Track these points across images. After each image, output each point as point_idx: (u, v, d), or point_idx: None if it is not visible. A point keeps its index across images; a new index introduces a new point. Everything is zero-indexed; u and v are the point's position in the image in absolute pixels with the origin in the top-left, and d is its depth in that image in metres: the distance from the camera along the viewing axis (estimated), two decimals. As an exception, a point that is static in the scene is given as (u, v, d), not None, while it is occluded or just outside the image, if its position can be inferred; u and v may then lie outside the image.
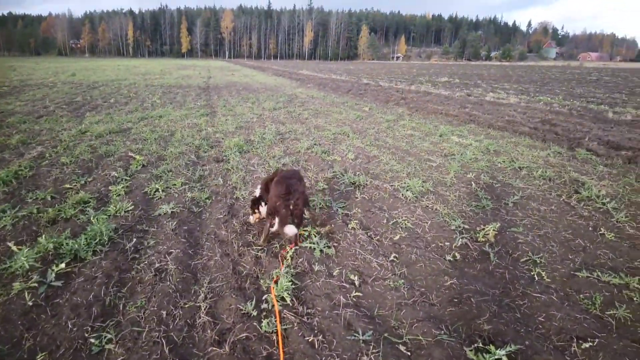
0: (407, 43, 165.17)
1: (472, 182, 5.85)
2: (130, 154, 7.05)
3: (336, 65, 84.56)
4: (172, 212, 4.59)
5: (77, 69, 36.84)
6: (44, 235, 3.76)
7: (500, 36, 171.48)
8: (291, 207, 3.59)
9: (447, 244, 3.97)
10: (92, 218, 4.25)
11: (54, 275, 3.22)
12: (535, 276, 3.38)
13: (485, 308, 2.87)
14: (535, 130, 10.46)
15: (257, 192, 4.26)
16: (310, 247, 3.76)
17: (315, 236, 3.97)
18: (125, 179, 5.74)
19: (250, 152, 7.55)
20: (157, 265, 3.45)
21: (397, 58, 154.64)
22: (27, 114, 11.24)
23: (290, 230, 3.47)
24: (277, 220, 3.58)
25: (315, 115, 12.55)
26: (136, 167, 6.31)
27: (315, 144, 8.22)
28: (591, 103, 16.13)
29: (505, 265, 3.57)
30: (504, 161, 7.10)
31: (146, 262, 3.51)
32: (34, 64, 48.56)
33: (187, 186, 5.51)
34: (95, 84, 21.80)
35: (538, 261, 3.61)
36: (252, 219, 4.27)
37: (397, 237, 4.06)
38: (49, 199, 4.89)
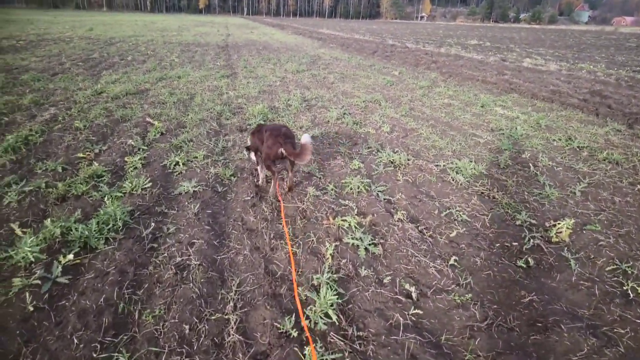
0: (432, 2, 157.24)
1: (530, 164, 5.16)
2: (147, 119, 6.52)
3: (358, 24, 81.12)
4: (194, 191, 4.08)
5: (95, 24, 35.97)
6: (50, 218, 3.31)
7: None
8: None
9: (515, 244, 3.37)
10: (105, 198, 3.76)
11: (60, 269, 2.77)
12: (630, 292, 2.78)
13: (580, 338, 2.32)
14: (585, 102, 9.50)
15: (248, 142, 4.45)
16: (353, 244, 3.22)
17: (356, 228, 3.42)
18: (143, 149, 5.23)
19: (276, 120, 6.93)
20: (178, 259, 2.98)
21: (422, 18, 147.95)
22: (42, 71, 10.74)
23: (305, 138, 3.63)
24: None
25: (341, 79, 11.72)
26: (154, 135, 5.79)
27: (345, 113, 7.53)
28: (638, 73, 14.80)
29: (589, 276, 2.98)
30: (559, 139, 6.33)
31: (166, 255, 3.04)
32: (51, 18, 47.69)
33: (209, 160, 4.97)
34: (113, 40, 21.10)
35: (629, 272, 3.01)
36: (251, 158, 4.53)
37: (453, 234, 3.48)
38: (60, 170, 4.42)
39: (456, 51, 22.82)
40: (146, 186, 4.08)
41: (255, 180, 4.47)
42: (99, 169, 4.37)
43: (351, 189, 4.23)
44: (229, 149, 5.46)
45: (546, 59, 19.64)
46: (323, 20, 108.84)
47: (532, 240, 3.37)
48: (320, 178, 4.56)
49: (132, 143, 5.36)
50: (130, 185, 4.02)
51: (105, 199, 3.70)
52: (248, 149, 4.39)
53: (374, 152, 5.45)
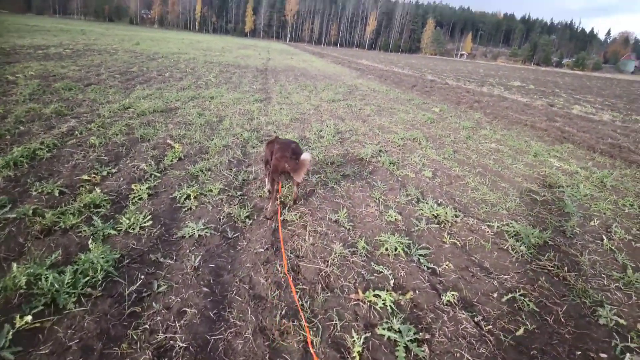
0: (474, 41, 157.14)
1: (603, 236, 4.27)
2: (168, 141, 6.04)
3: (397, 57, 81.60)
4: (199, 235, 3.44)
5: (143, 39, 37.34)
6: (20, 261, 2.72)
7: (575, 43, 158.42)
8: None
9: (603, 356, 2.51)
10: (93, 238, 3.16)
11: (10, 336, 2.14)
12: None
13: None
14: (652, 160, 8.45)
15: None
16: (389, 338, 2.45)
17: (393, 312, 2.65)
18: (155, 175, 4.68)
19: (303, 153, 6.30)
20: (160, 337, 2.29)
21: (462, 55, 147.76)
22: (77, 80, 10.68)
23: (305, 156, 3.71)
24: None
25: (378, 112, 11.11)
26: (171, 160, 5.26)
27: (381, 151, 6.85)
28: None
29: None
30: (631, 204, 5.39)
31: (147, 327, 2.36)
32: (104, 30, 50.14)
33: (225, 195, 4.35)
34: (156, 55, 21.49)
35: None
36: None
37: (520, 332, 2.66)
38: (57, 194, 3.89)
39: (499, 92, 22.00)
40: (146, 224, 3.47)
41: (265, 189, 4.57)
42: (98, 197, 3.82)
43: (386, 249, 3.48)
44: (250, 183, 4.85)
45: (596, 107, 18.52)
46: (363, 51, 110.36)
47: (627, 354, 2.49)
48: (349, 230, 3.84)
49: (145, 167, 4.83)
50: (127, 221, 3.43)
51: (90, 242, 3.08)
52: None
53: (413, 202, 4.70)
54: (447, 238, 3.85)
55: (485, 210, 4.70)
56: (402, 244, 3.55)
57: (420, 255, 3.51)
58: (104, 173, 4.62)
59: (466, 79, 29.62)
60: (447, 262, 3.44)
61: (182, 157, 5.42)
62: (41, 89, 8.86)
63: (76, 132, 6.02)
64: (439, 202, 4.74)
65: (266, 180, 4.47)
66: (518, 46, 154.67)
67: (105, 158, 5.09)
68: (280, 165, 3.81)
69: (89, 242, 3.05)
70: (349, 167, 5.76)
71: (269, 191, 4.34)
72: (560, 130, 11.03)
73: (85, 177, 4.42)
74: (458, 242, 3.83)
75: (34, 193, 3.88)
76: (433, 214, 4.32)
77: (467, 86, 23.70)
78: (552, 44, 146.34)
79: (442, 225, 4.14)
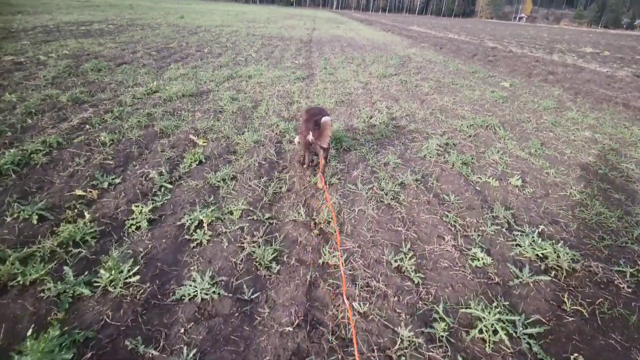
0: (534, 2, 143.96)
1: None
2: (191, 136, 5.07)
3: (450, 22, 76.19)
4: (202, 299, 2.42)
5: (187, 12, 36.80)
6: None
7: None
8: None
9: None
10: (28, 336, 2.23)
11: None
12: None
13: None
14: None
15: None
16: None
17: None
18: (165, 188, 3.73)
19: (352, 150, 5.12)
20: None
21: (520, 19, 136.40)
22: (110, 59, 10.00)
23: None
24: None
25: (438, 89, 9.56)
26: (190, 164, 4.29)
27: (448, 144, 5.52)
28: None
29: None
30: None
31: None
32: (152, 4, 50.26)
33: (248, 219, 3.31)
34: (198, 29, 20.69)
35: None
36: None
37: None
38: (35, 221, 3.03)
39: (572, 60, 19.25)
40: (132, 280, 2.50)
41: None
42: (81, 230, 2.90)
43: (480, 331, 2.30)
44: (282, 197, 3.77)
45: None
46: (413, 17, 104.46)
47: None
48: (418, 286, 2.68)
49: (155, 177, 3.89)
50: (108, 276, 2.47)
51: (52, 320, 2.15)
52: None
53: (504, 230, 3.42)
54: (567, 301, 2.58)
55: (608, 244, 3.33)
56: (504, 321, 2.35)
57: (531, 341, 2.30)
58: (105, 185, 3.73)
59: (531, 46, 26.49)
60: (578, 355, 2.20)
61: (204, 160, 4.43)
62: (68, 71, 8.20)
63: (88, 125, 5.20)
64: (540, 229, 3.42)
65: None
66: (583, 7, 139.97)
67: (111, 162, 4.20)
68: (303, 138, 3.85)
69: (54, 314, 2.11)
70: (408, 170, 4.52)
71: (298, 162, 4.47)
72: (665, 110, 8.96)
73: (79, 192, 3.54)
74: (584, 309, 2.55)
75: (8, 219, 3.03)
76: (537, 255, 3.04)
77: (534, 54, 20.99)
78: (623, 4, 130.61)
79: (555, 277, 2.86)
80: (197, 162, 4.34)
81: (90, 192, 3.58)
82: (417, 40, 24.90)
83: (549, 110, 8.00)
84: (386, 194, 3.88)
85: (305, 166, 4.30)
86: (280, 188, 3.94)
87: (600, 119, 7.62)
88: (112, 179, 3.85)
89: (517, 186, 4.30)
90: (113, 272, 2.46)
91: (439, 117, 6.97)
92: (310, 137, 3.76)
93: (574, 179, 4.68)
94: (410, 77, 11.01)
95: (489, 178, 4.42)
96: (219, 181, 3.93)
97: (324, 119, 3.61)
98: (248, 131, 5.48)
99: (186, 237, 3.03)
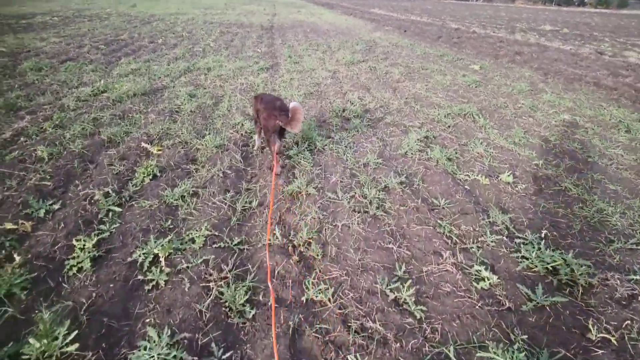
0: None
1: None
2: (143, 144, 4.45)
3: (411, 4, 75.95)
4: (162, 365, 1.94)
5: (141, 0, 34.77)
6: None
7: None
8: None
9: None
10: None
11: None
12: None
13: None
14: None
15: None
16: None
17: None
18: (113, 213, 3.17)
19: (327, 150, 4.67)
20: None
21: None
22: (52, 56, 9.04)
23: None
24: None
25: (408, 75, 9.21)
26: (142, 180, 3.71)
27: (428, 137, 5.17)
28: None
29: None
30: None
31: None
32: (101, -7, 47.27)
33: (214, 248, 2.82)
34: (151, 18, 19.43)
35: None
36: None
37: None
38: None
39: (535, 39, 19.41)
40: (70, 349, 1.97)
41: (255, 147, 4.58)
42: (5, 283, 2.33)
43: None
44: (253, 215, 3.29)
45: (654, 52, 15.98)
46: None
47: None
48: (420, 322, 2.29)
49: (101, 199, 3.30)
50: (39, 347, 1.93)
51: None
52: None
53: (505, 238, 3.08)
54: (592, 328, 2.26)
55: (618, 247, 3.05)
56: None
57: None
58: (41, 213, 3.12)
59: (492, 25, 26.64)
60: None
61: (158, 173, 3.86)
62: (3, 72, 7.28)
63: (22, 137, 4.48)
64: (543, 234, 3.11)
65: (256, 137, 4.58)
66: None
67: (49, 183, 3.57)
68: (270, 124, 3.79)
69: None
70: (391, 172, 4.12)
71: (259, 148, 4.59)
72: (633, 88, 8.98)
73: (8, 225, 2.93)
74: (612, 337, 2.24)
75: None
76: (547, 268, 2.71)
77: (497, 34, 21.04)
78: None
79: (571, 294, 2.54)
80: (150, 177, 3.76)
81: (23, 224, 2.97)
82: (380, 24, 24.48)
83: (523, 94, 7.81)
84: (370, 203, 3.47)
85: (276, 149, 3.98)
86: (250, 203, 3.45)
87: (576, 100, 7.48)
88: (50, 204, 3.24)
89: (509, 183, 3.99)
90: (45, 340, 1.92)
91: (414, 107, 6.60)
92: (279, 122, 3.69)
93: (564, 170, 4.42)
94: (379, 63, 10.61)
95: (477, 175, 4.08)
96: (177, 199, 3.39)
97: (293, 104, 3.62)
98: (209, 134, 4.91)
99: (139, 277, 2.51)
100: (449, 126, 5.69)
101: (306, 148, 4.60)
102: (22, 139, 4.44)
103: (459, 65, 10.81)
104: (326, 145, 4.79)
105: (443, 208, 3.47)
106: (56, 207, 3.23)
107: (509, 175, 4.04)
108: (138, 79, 7.38)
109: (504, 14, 46.56)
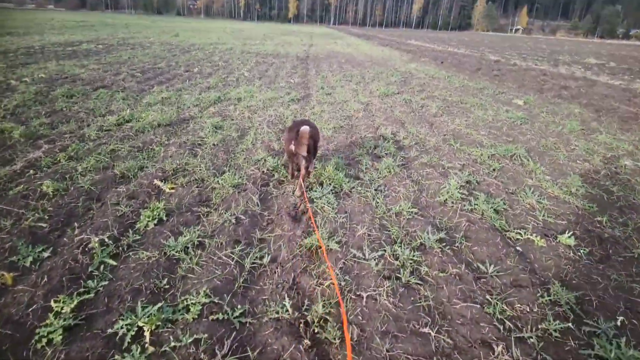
0: (529, 15, 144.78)
1: None
2: (156, 182, 4.12)
3: (447, 35, 76.25)
4: None
5: (184, 30, 36.40)
6: None
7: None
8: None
9: None
10: None
11: None
12: None
13: None
14: None
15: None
16: None
17: None
18: (104, 266, 2.76)
19: (355, 193, 4.17)
20: None
21: (516, 31, 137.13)
22: (88, 83, 9.16)
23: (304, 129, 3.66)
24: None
25: (446, 109, 8.68)
26: (146, 224, 3.32)
27: (470, 182, 4.57)
28: None
29: None
30: None
31: None
32: (149, 23, 50.10)
33: (211, 320, 2.34)
34: (191, 47, 20.00)
35: None
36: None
37: None
38: None
39: (580, 72, 18.45)
40: None
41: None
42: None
43: None
44: (262, 275, 2.80)
45: None
46: (410, 31, 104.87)
47: None
48: None
49: (96, 247, 2.92)
50: None
51: None
52: None
53: (572, 327, 2.43)
54: None
55: None
56: None
57: None
58: (28, 261, 2.77)
59: (533, 58, 25.78)
60: None
61: (165, 218, 3.46)
62: (36, 98, 7.33)
63: (32, 170, 4.25)
64: (618, 322, 2.43)
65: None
66: (579, 18, 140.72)
67: (46, 225, 3.25)
68: (286, 147, 3.94)
69: None
70: (428, 224, 3.55)
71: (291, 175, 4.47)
72: (702, 129, 8.02)
73: (-15, 280, 2.57)
74: None
75: None
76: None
77: (539, 67, 20.22)
78: (617, 15, 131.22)
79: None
80: (155, 221, 3.37)
81: (3, 275, 2.61)
82: (416, 55, 24.22)
83: (575, 133, 7.08)
84: (403, 266, 2.91)
85: (290, 178, 4.42)
86: (261, 258, 2.97)
87: (636, 143, 6.68)
88: (40, 252, 2.89)
89: (569, 246, 3.32)
90: None
91: (453, 145, 6.04)
92: (292, 146, 3.82)
93: (634, 229, 3.70)
94: (414, 95, 10.15)
95: (531, 234, 3.44)
96: (179, 251, 2.96)
97: (302, 128, 3.68)
98: (229, 170, 4.54)
99: (115, 358, 2.05)
100: (493, 169, 5.08)
101: (331, 191, 4.12)
102: (31, 171, 4.20)
103: (501, 100, 10.17)
104: (354, 187, 4.30)
105: (492, 277, 2.86)
106: (46, 254, 2.87)
107: (569, 237, 3.38)
108: (166, 109, 7.23)
109: (544, 46, 45.53)
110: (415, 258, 2.99)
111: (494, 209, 3.88)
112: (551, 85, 13.36)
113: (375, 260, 2.97)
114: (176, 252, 2.95)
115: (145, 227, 3.29)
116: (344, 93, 9.88)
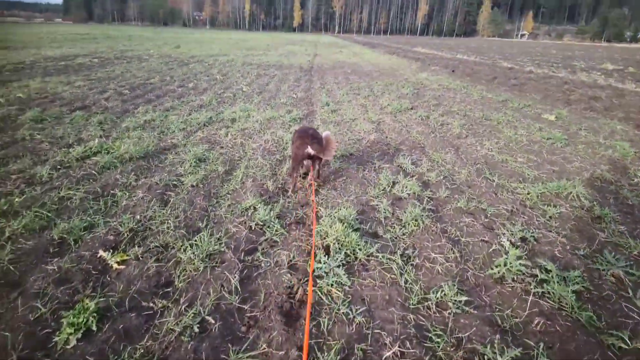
0: (535, 19, 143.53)
1: None
2: (101, 253, 3.00)
3: (454, 41, 75.33)
4: None
5: (186, 41, 35.76)
6: None
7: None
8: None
9: None
10: None
11: None
12: None
13: None
14: None
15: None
16: None
17: None
18: None
19: (372, 263, 3.02)
20: None
21: (522, 36, 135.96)
22: (67, 103, 8.21)
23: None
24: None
25: (470, 128, 7.54)
26: (65, 339, 2.21)
27: (524, 240, 3.41)
28: None
29: None
30: None
31: None
32: (153, 34, 49.70)
33: None
34: (191, 59, 19.13)
35: None
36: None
37: None
38: None
39: (603, 80, 17.16)
40: None
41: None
42: None
43: None
44: None
45: None
46: (415, 38, 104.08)
47: None
48: None
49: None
50: None
51: None
52: None
53: None
54: None
55: None
56: None
57: None
58: None
59: (548, 64, 24.53)
60: None
61: (95, 326, 2.33)
62: (-3, 125, 6.32)
63: (-56, 236, 3.16)
64: None
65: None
66: (585, 22, 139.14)
67: None
68: (300, 151, 3.91)
69: None
70: (487, 325, 2.39)
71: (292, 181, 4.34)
72: None
73: None
74: None
75: None
76: None
77: (557, 74, 18.98)
78: (625, 18, 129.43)
79: None
80: (80, 334, 2.24)
81: None
82: (425, 63, 23.13)
83: (630, 158, 5.88)
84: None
85: (291, 192, 4.28)
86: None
87: None
88: None
89: None
90: None
91: (490, 180, 4.88)
92: (309, 150, 3.83)
93: None
94: (431, 111, 9.02)
95: (633, 338, 2.26)
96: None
97: (326, 133, 3.90)
98: (205, 228, 3.42)
99: None
100: (549, 217, 3.91)
101: (341, 261, 2.98)
102: (-57, 237, 3.12)
103: (529, 115, 9.00)
104: (372, 253, 3.14)
105: None
106: None
107: None
108: (146, 135, 6.18)
109: (554, 51, 44.35)
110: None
111: (573, 291, 2.70)
112: (578, 96, 12.16)
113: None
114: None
115: (64, 344, 2.17)
116: (352, 109, 8.79)
